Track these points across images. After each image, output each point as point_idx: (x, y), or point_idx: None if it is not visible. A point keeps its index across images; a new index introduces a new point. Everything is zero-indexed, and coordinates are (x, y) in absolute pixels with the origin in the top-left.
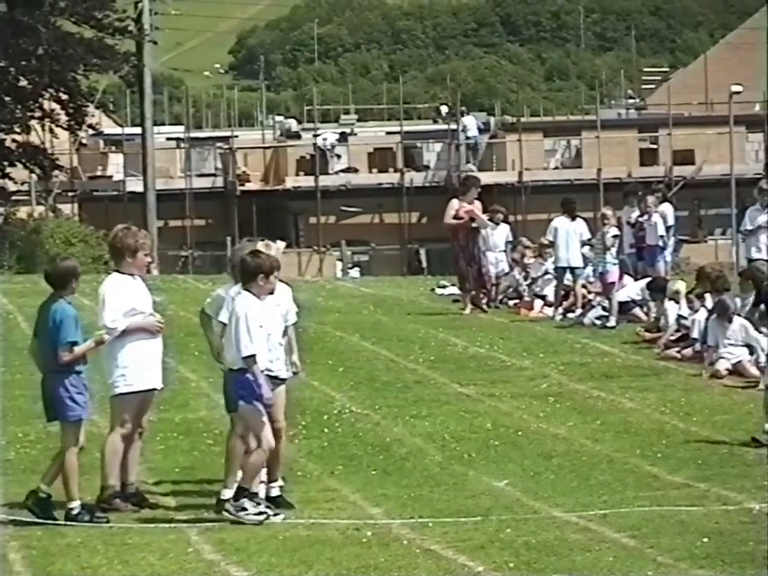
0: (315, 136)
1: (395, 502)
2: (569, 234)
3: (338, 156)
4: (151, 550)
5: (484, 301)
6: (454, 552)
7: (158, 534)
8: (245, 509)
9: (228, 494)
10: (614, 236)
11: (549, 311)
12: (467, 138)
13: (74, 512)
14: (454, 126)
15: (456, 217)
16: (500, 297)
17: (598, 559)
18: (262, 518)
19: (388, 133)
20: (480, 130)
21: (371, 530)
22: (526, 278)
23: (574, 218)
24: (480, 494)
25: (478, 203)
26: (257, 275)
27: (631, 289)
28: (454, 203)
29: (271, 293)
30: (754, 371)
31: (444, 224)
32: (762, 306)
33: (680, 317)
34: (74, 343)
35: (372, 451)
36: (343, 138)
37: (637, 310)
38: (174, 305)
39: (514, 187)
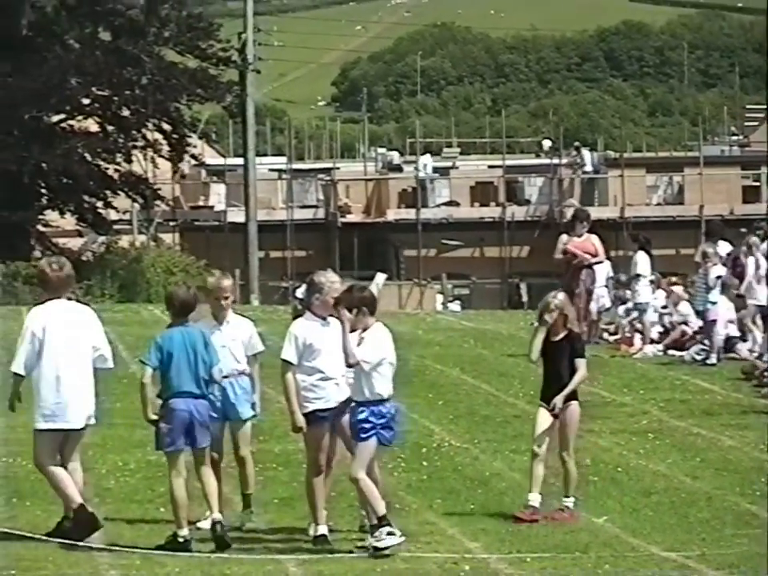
0: (416, 165)
1: (493, 536)
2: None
3: (438, 182)
4: None
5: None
6: None
7: (256, 565)
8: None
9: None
10: (717, 276)
11: (649, 348)
12: (584, 172)
13: (182, 540)
14: (556, 161)
15: (564, 252)
16: (600, 333)
17: None
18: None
19: (490, 166)
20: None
21: (469, 564)
22: (627, 314)
23: (648, 254)
24: (579, 529)
25: (594, 237)
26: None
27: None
28: (563, 238)
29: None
30: None
31: (554, 259)
32: None
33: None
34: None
35: (471, 485)
36: (444, 172)
37: (739, 346)
38: (274, 335)
39: (615, 223)
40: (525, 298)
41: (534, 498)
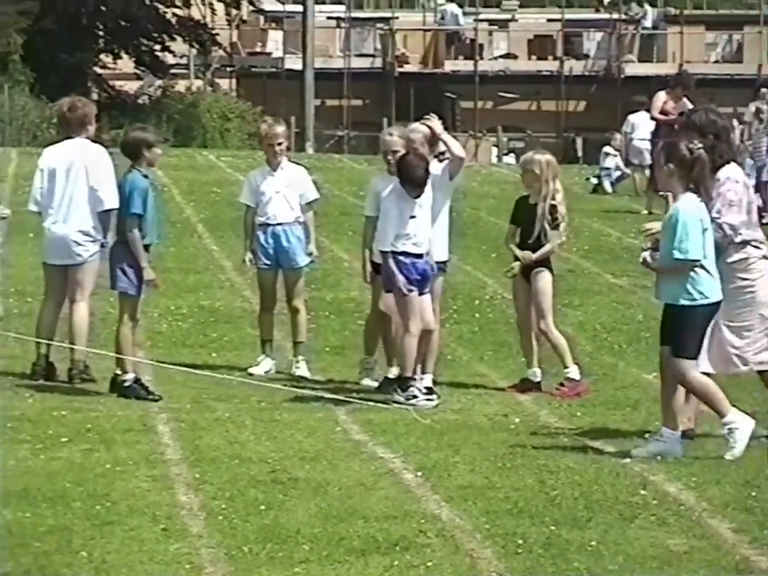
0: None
1: (544, 390)
2: None
3: (496, 34)
4: (299, 428)
5: None
6: (603, 442)
7: (306, 412)
8: (415, 396)
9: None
10: None
11: None
12: (643, 28)
13: (126, 384)
14: (615, 16)
15: (662, 112)
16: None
17: (749, 456)
18: (433, 403)
19: (549, 20)
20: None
21: (519, 417)
22: None
23: None
24: (629, 385)
25: (686, 101)
26: None
27: None
28: (662, 96)
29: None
30: None
31: (650, 116)
32: None
33: None
34: (140, 216)
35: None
36: (503, 24)
37: None
38: (328, 183)
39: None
40: (580, 153)
41: (531, 373)
